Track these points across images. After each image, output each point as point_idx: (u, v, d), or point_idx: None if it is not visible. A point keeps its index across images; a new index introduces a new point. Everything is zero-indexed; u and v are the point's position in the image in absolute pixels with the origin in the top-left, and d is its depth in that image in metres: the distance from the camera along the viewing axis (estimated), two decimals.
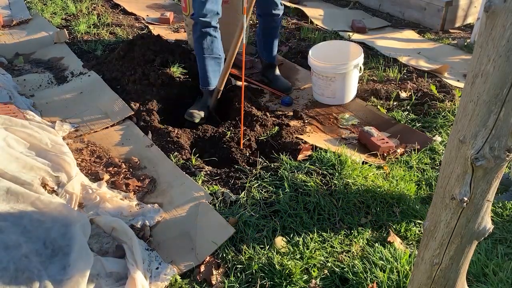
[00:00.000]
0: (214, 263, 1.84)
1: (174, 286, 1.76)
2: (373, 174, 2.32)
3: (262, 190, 2.20)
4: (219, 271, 1.81)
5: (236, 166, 2.39)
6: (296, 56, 3.72)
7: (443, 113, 2.88)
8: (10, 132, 2.22)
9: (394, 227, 2.07)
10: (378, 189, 2.22)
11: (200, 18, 2.66)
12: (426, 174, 2.41)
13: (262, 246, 1.92)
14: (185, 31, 4.05)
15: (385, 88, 3.24)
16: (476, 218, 1.14)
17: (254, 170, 2.33)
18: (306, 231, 1.99)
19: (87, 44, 3.78)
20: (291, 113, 2.96)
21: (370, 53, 3.82)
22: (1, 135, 2.13)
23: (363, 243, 1.97)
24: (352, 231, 2.02)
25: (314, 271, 1.81)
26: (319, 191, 2.17)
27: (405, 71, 3.50)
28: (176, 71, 3.10)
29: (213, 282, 1.76)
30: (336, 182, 2.23)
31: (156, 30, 4.14)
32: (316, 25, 4.39)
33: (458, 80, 3.36)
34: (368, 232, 2.03)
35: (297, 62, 3.60)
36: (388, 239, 1.98)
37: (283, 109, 3.03)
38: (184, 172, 2.31)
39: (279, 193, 2.16)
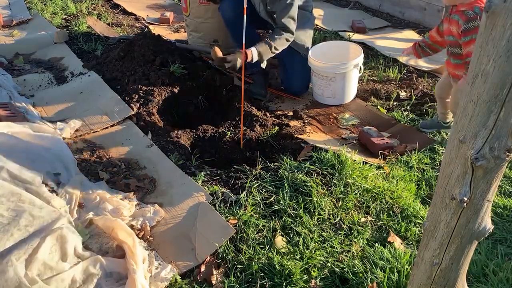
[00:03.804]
0: (214, 263, 1.84)
1: (174, 286, 1.76)
2: (373, 174, 2.32)
3: (262, 190, 2.19)
4: (219, 271, 1.81)
5: (236, 166, 2.39)
6: None
7: None
8: (10, 132, 2.21)
9: (394, 227, 2.07)
10: (378, 189, 2.22)
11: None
12: (426, 174, 2.41)
13: (262, 246, 1.92)
14: (185, 31, 4.05)
15: (385, 88, 3.24)
16: (476, 218, 1.14)
17: (254, 170, 2.33)
18: (306, 231, 1.99)
19: (87, 44, 3.78)
20: (291, 113, 2.96)
21: (370, 53, 3.82)
22: (1, 135, 2.13)
23: (363, 243, 1.97)
24: (352, 231, 2.02)
25: (314, 271, 1.81)
26: (319, 191, 2.17)
27: (405, 71, 3.50)
28: (176, 71, 3.10)
29: (213, 282, 1.76)
30: (336, 182, 2.23)
31: (156, 30, 4.14)
32: (316, 25, 4.39)
33: None
34: (368, 232, 2.02)
35: None
36: (388, 239, 1.98)
37: (283, 109, 3.03)
38: (184, 172, 2.31)
39: (279, 193, 2.16)
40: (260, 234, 1.97)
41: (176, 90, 3.03)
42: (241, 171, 2.34)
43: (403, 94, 3.17)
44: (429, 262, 1.27)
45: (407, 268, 1.79)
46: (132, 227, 1.95)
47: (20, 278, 1.53)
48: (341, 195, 2.17)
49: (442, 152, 2.55)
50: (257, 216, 2.05)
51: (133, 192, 2.19)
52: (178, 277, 1.78)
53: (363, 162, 2.41)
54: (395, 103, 3.08)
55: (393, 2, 4.76)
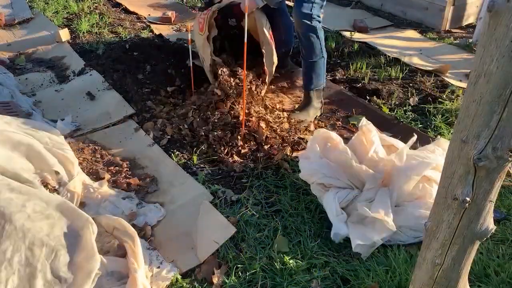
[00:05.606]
0: (215, 262, 1.84)
1: (175, 286, 1.76)
2: None
3: (263, 190, 2.19)
4: (220, 271, 1.81)
5: (237, 166, 2.39)
6: (297, 56, 3.71)
7: (445, 113, 2.88)
8: (11, 130, 2.21)
9: None
10: None
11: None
12: None
13: (263, 245, 1.92)
14: (186, 31, 4.04)
15: (386, 87, 3.24)
16: (478, 219, 1.14)
17: (255, 169, 2.32)
18: (307, 231, 1.99)
19: (89, 43, 3.78)
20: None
21: (372, 52, 3.81)
22: (2, 134, 2.13)
23: None
24: None
25: (315, 271, 1.81)
26: None
27: (407, 70, 3.49)
28: (176, 70, 3.09)
29: (214, 282, 1.76)
30: None
31: (157, 29, 4.14)
32: None
33: (460, 80, 3.35)
34: None
35: (297, 63, 3.60)
36: None
37: (284, 107, 3.03)
38: (185, 172, 2.31)
39: (280, 193, 2.16)
40: (261, 233, 1.97)
41: (176, 90, 3.03)
42: (242, 170, 2.34)
43: (405, 93, 3.16)
44: (431, 262, 1.27)
45: (407, 268, 1.78)
46: (133, 226, 1.95)
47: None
48: None
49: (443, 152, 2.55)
50: (258, 215, 2.05)
51: (134, 191, 2.19)
52: (179, 277, 1.78)
53: None
54: (397, 103, 3.07)
55: (395, 2, 4.75)
